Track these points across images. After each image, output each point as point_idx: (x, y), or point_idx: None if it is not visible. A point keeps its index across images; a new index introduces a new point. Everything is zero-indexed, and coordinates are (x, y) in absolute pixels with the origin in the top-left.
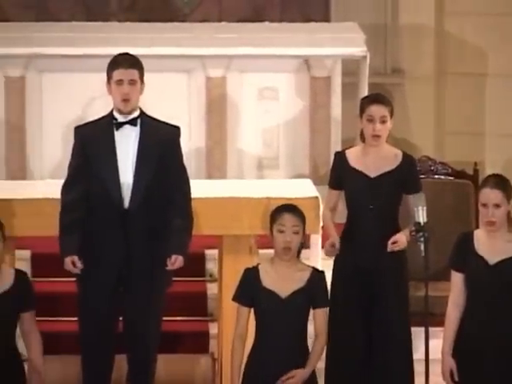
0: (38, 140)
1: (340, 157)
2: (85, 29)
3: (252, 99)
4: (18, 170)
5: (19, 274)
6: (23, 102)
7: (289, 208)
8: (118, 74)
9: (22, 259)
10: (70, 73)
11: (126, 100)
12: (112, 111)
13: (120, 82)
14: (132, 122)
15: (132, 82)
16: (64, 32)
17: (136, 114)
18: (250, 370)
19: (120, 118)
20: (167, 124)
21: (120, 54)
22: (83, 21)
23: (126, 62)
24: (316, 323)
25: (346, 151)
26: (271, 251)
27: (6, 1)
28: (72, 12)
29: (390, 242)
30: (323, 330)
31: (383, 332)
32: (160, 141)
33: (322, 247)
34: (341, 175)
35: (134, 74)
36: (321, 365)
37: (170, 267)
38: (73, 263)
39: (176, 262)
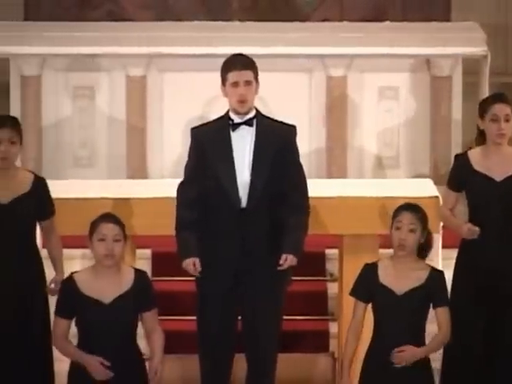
0: (159, 139)
1: (462, 159)
2: (206, 28)
3: (372, 98)
4: (139, 170)
5: (139, 273)
6: (144, 102)
7: (409, 206)
8: (233, 76)
9: (143, 258)
10: (191, 72)
11: (242, 101)
12: (228, 112)
13: (235, 84)
14: (248, 123)
15: (247, 83)
16: (185, 31)
17: (252, 114)
18: (369, 365)
19: (236, 119)
20: (283, 123)
21: (233, 56)
22: (205, 20)
23: (240, 63)
24: (439, 321)
25: (468, 153)
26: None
27: (127, 1)
28: (193, 12)
29: None
30: (447, 327)
31: (507, 335)
32: (276, 140)
33: (442, 247)
34: (463, 178)
35: (249, 74)
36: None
37: (280, 267)
38: (193, 265)
39: (287, 260)
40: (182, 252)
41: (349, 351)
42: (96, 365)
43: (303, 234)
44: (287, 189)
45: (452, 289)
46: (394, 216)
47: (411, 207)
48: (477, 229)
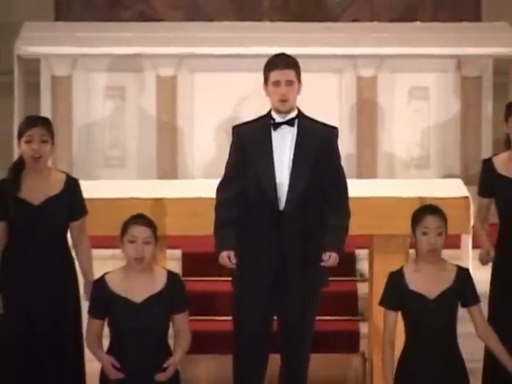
0: (190, 139)
1: (487, 164)
2: (236, 28)
3: (403, 99)
4: (169, 170)
5: (171, 274)
6: (175, 102)
7: (431, 209)
8: (274, 75)
9: (173, 258)
10: (221, 72)
11: (283, 100)
12: (270, 111)
13: (277, 83)
14: (289, 123)
15: (289, 83)
16: (216, 32)
17: (294, 114)
18: (403, 371)
19: (278, 118)
20: (325, 124)
21: (276, 55)
22: (235, 20)
23: (282, 62)
24: (475, 320)
25: (493, 158)
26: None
27: (158, 1)
28: (224, 12)
29: None
30: (485, 322)
31: None
32: (317, 141)
33: (473, 248)
34: (490, 183)
35: (291, 74)
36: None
37: (323, 264)
38: (228, 258)
39: (330, 258)
40: (218, 247)
41: (388, 362)
42: (106, 364)
43: (344, 235)
44: (328, 190)
45: (490, 298)
46: (417, 221)
47: (434, 210)
48: (491, 256)
